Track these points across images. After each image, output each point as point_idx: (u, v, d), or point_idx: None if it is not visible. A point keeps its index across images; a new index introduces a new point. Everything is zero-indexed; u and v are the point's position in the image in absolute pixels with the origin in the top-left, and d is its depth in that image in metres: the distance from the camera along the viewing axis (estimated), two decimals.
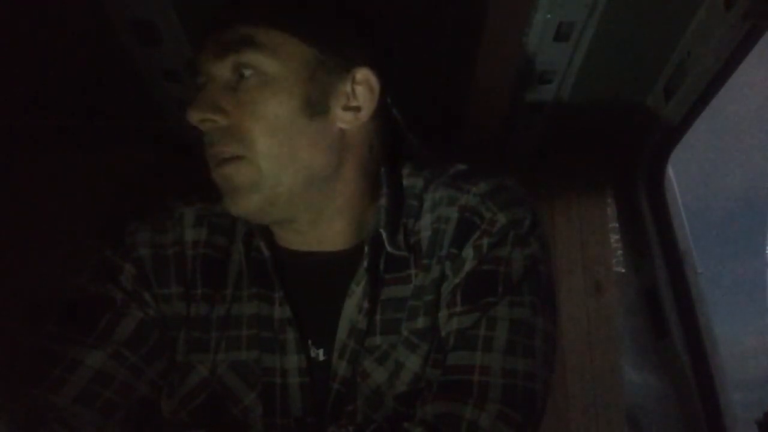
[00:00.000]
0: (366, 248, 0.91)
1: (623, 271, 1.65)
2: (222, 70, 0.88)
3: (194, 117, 0.86)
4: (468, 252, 0.89)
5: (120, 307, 0.91)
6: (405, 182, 0.96)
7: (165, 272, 0.93)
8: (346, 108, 0.90)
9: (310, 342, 0.92)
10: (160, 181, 1.58)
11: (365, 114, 0.91)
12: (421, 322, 0.89)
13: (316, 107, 0.88)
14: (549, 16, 1.15)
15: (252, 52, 0.86)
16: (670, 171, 1.60)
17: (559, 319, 0.93)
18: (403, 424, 0.82)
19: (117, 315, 0.91)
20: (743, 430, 1.44)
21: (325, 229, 0.93)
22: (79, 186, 1.58)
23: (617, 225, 1.66)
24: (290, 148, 0.87)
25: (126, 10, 1.14)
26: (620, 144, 1.60)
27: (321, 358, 0.91)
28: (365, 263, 0.90)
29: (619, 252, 1.65)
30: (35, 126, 1.54)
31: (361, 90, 0.91)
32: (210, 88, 0.88)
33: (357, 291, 0.90)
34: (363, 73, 0.91)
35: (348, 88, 0.90)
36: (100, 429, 0.86)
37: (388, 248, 0.91)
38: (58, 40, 1.23)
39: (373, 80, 0.91)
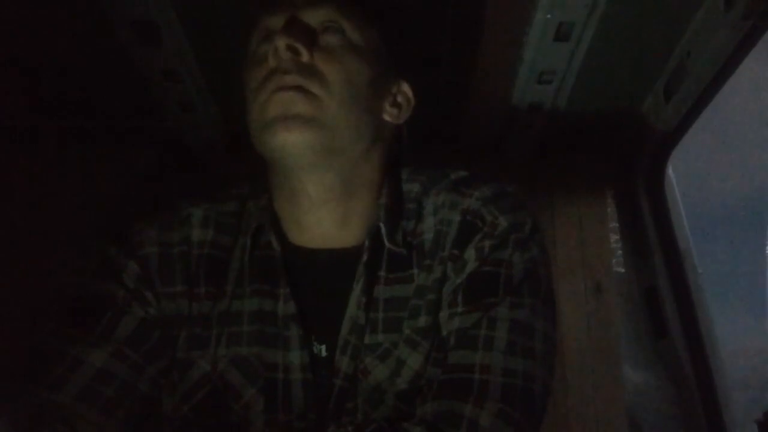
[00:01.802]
0: (366, 242, 0.92)
1: (623, 271, 1.65)
2: (311, 17, 0.92)
3: (281, 42, 0.88)
4: (470, 253, 0.91)
5: (121, 305, 0.91)
6: (403, 187, 0.99)
7: (170, 271, 0.94)
8: (392, 104, 0.99)
9: (313, 338, 0.92)
10: (161, 180, 1.58)
11: (403, 117, 1.00)
12: (422, 321, 0.90)
13: (378, 88, 0.96)
14: (549, 16, 1.15)
15: (345, 15, 0.93)
16: (670, 171, 1.60)
17: (558, 320, 0.94)
18: (403, 424, 0.82)
19: (118, 313, 0.91)
20: (743, 430, 1.44)
21: (339, 211, 0.94)
22: (79, 186, 1.58)
23: (617, 225, 1.66)
24: (356, 107, 0.92)
25: (126, 10, 1.14)
26: (620, 144, 1.60)
27: (323, 354, 0.92)
28: (365, 257, 0.91)
29: (619, 252, 1.66)
30: (35, 126, 1.54)
31: (402, 98, 1.01)
32: (295, 25, 0.91)
33: (357, 287, 0.91)
34: (405, 86, 1.01)
35: (395, 90, 1.00)
36: (101, 427, 0.86)
37: (387, 244, 0.92)
38: (58, 40, 1.23)
39: (411, 95, 1.02)
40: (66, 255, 1.40)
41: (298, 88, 0.88)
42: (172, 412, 0.92)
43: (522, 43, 1.23)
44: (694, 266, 1.58)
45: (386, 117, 0.98)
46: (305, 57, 0.89)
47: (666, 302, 1.58)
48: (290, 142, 0.87)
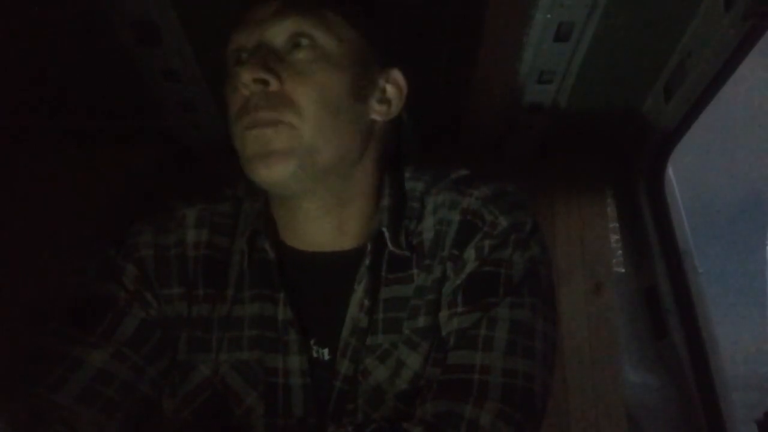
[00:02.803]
0: (369, 246, 0.91)
1: (623, 271, 1.65)
2: (277, 35, 0.89)
3: (246, 76, 0.85)
4: (469, 253, 0.90)
5: (122, 306, 0.91)
6: (407, 185, 0.98)
7: (167, 273, 0.94)
8: (380, 101, 0.95)
9: (312, 342, 0.92)
10: (161, 180, 1.58)
11: (394, 111, 0.96)
12: (422, 321, 0.90)
13: (359, 92, 0.91)
14: (549, 16, 1.15)
15: (314, 23, 0.89)
16: (670, 171, 1.60)
17: (558, 320, 0.94)
18: (402, 424, 0.82)
19: (119, 314, 0.91)
20: (743, 430, 1.43)
21: (335, 221, 0.93)
22: (79, 186, 1.58)
23: (617, 225, 1.66)
24: (334, 123, 0.88)
25: (126, 10, 1.14)
26: (620, 144, 1.60)
27: (326, 357, 0.92)
28: (367, 261, 0.91)
29: (619, 252, 1.65)
30: (35, 126, 1.54)
31: (391, 89, 0.96)
32: (261, 51, 0.88)
33: (359, 289, 0.91)
34: (395, 74, 0.96)
35: (382, 83, 0.95)
36: (101, 428, 0.86)
37: (391, 247, 0.92)
38: (58, 40, 1.23)
39: (403, 82, 0.96)
40: (66, 255, 1.40)
41: (271, 123, 0.86)
42: (173, 415, 0.92)
43: (522, 43, 1.23)
44: (694, 266, 1.58)
45: (375, 116, 0.94)
46: (274, 86, 0.86)
47: (666, 302, 1.58)
48: (272, 179, 0.87)
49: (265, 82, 0.86)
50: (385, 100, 0.95)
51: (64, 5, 1.14)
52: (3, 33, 1.20)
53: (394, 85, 0.96)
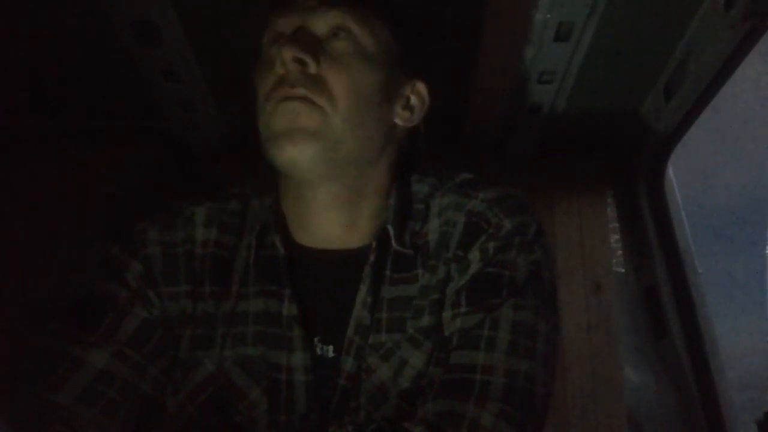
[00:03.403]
0: (374, 244, 0.92)
1: (623, 271, 1.65)
2: (319, 22, 0.91)
3: (287, 54, 0.87)
4: (474, 255, 0.91)
5: (123, 305, 0.91)
6: (412, 187, 0.99)
7: (174, 270, 0.94)
8: (404, 108, 0.98)
9: (316, 340, 0.92)
10: (160, 181, 1.58)
11: (416, 119, 0.99)
12: (425, 321, 0.91)
13: (388, 93, 0.94)
14: (549, 16, 1.15)
15: (355, 18, 0.91)
16: (670, 171, 1.60)
17: (560, 322, 0.94)
18: (404, 423, 0.83)
19: (120, 314, 0.91)
20: (743, 430, 1.43)
21: (346, 216, 0.94)
22: (79, 186, 1.58)
23: (617, 225, 1.66)
24: (363, 117, 0.91)
25: (126, 10, 1.14)
26: (620, 144, 1.60)
27: (330, 355, 0.92)
28: (372, 258, 0.92)
29: (619, 252, 1.65)
30: (35, 126, 1.54)
31: (415, 99, 0.99)
32: (302, 34, 0.90)
33: (363, 287, 0.91)
34: (420, 86, 1.00)
35: (407, 92, 0.98)
36: (102, 428, 0.86)
37: (395, 245, 0.92)
38: (58, 40, 1.23)
39: (426, 95, 1.00)
40: (67, 255, 1.40)
41: (304, 99, 0.87)
42: (176, 412, 0.92)
43: (522, 43, 1.23)
44: (694, 266, 1.58)
45: (398, 120, 0.97)
46: (312, 68, 0.88)
47: (666, 302, 1.58)
48: (296, 157, 0.88)
49: (304, 63, 0.88)
50: (408, 107, 0.98)
51: (64, 5, 1.14)
52: (3, 33, 1.20)
53: (417, 97, 0.99)
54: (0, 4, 1.12)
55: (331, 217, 0.94)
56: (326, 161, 0.88)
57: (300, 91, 0.87)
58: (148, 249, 0.94)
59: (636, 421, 1.58)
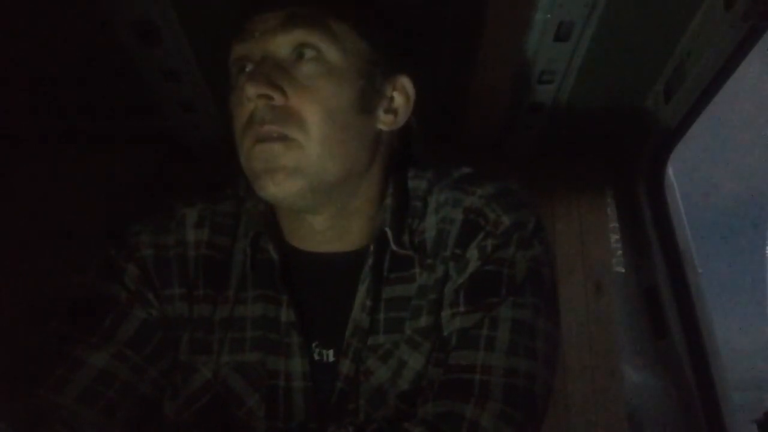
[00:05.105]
0: (371, 247, 0.91)
1: (623, 271, 1.65)
2: (281, 46, 0.87)
3: (251, 91, 0.84)
4: (472, 253, 0.90)
5: (123, 307, 0.91)
6: (409, 184, 0.97)
7: (167, 273, 0.94)
8: (387, 111, 0.93)
9: (314, 345, 0.92)
10: (160, 181, 1.58)
11: (401, 120, 0.95)
12: (424, 321, 0.90)
13: (365, 104, 0.90)
14: (549, 16, 1.15)
15: (320, 34, 0.87)
16: (670, 171, 1.60)
17: (560, 320, 0.93)
18: (403, 424, 0.82)
19: (120, 315, 0.91)
20: (743, 430, 1.43)
21: (340, 227, 0.93)
22: (79, 186, 1.58)
23: (617, 225, 1.66)
24: (341, 138, 0.87)
25: (126, 10, 1.14)
26: (620, 144, 1.60)
27: (330, 359, 0.91)
28: (370, 262, 0.91)
29: (619, 252, 1.65)
30: (35, 126, 1.54)
31: (399, 97, 0.94)
32: (265, 64, 0.87)
33: (362, 290, 0.91)
34: (403, 81, 0.94)
35: (389, 92, 0.93)
36: (101, 429, 0.86)
37: (393, 247, 0.91)
38: (58, 40, 1.23)
39: (410, 89, 0.95)
40: (67, 255, 1.40)
41: (278, 138, 0.85)
42: (174, 417, 0.92)
43: (522, 43, 1.23)
44: (694, 266, 1.58)
45: (382, 127, 0.93)
46: (279, 101, 0.85)
47: (666, 302, 1.58)
48: (280, 195, 0.87)
49: (270, 98, 0.85)
50: (392, 110, 0.94)
51: (64, 5, 1.14)
52: (3, 33, 1.20)
53: (401, 93, 0.94)
54: (0, 4, 1.12)
55: (325, 226, 0.93)
56: (312, 191, 0.87)
57: (270, 128, 0.85)
58: (141, 252, 0.94)
59: (636, 420, 1.58)
